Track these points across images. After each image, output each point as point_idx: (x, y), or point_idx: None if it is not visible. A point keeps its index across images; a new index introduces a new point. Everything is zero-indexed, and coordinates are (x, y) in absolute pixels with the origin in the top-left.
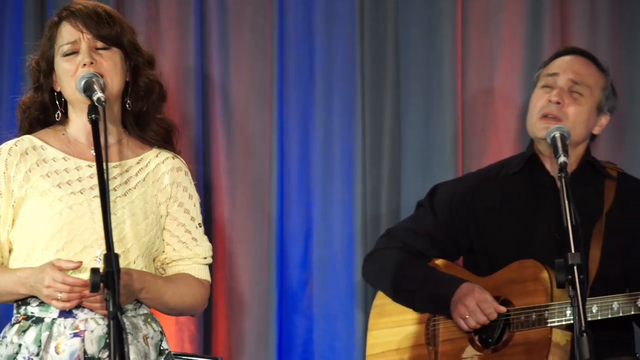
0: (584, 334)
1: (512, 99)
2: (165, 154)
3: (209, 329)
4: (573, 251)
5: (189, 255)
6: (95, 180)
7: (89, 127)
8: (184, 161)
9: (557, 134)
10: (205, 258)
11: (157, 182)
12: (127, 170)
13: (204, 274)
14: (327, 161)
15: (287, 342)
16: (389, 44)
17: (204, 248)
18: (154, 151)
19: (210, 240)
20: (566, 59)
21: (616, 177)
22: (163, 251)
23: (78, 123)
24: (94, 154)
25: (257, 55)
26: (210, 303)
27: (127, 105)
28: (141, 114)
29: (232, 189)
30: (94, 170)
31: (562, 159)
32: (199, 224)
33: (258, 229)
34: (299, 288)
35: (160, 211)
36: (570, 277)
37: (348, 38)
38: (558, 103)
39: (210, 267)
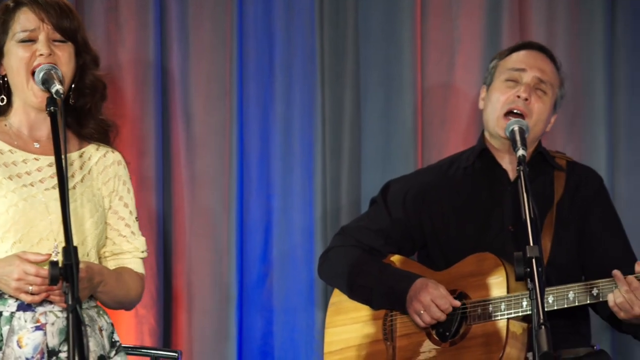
0: (542, 327)
1: (471, 92)
2: (105, 148)
3: (168, 323)
4: (531, 244)
5: (129, 249)
6: (44, 173)
7: (32, 118)
8: (122, 155)
9: (516, 127)
10: (142, 252)
11: (100, 175)
12: (71, 164)
13: (142, 268)
14: (287, 154)
15: (247, 335)
16: (349, 37)
17: (141, 242)
18: (94, 145)
19: (170, 233)
20: (530, 54)
21: (565, 166)
22: (104, 245)
23: (21, 114)
24: (38, 146)
25: (216, 48)
26: (170, 296)
27: (70, 101)
28: (83, 111)
29: (191, 182)
30: (40, 163)
31: (520, 152)
32: (136, 217)
33: (218, 223)
34: (259, 281)
35: (105, 204)
36: (528, 269)
37: (308, 31)
38: (526, 99)
39: (170, 260)
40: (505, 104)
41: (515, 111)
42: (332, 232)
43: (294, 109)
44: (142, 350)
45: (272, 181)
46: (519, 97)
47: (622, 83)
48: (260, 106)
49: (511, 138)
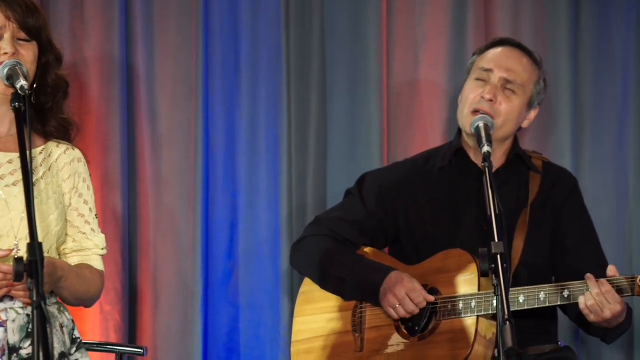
0: (507, 323)
1: (437, 89)
2: (66, 145)
3: (134, 319)
4: (496, 240)
5: (90, 246)
6: (4, 170)
7: None
8: (82, 152)
9: (481, 124)
10: (102, 249)
11: (60, 172)
12: (33, 161)
13: (102, 265)
14: (253, 151)
15: (212, 331)
16: (315, 34)
17: (101, 239)
18: (54, 142)
19: (135, 230)
20: (502, 53)
21: (541, 167)
22: (64, 242)
23: None
24: None
25: (182, 45)
26: (135, 293)
27: (32, 99)
28: (44, 109)
29: (157, 179)
30: (0, 160)
31: (485, 148)
32: (96, 215)
33: (183, 219)
34: (225, 277)
35: (65, 201)
36: (493, 265)
37: (273, 28)
38: (491, 100)
39: (135, 257)
40: (473, 103)
41: (480, 111)
42: (298, 229)
43: (260, 106)
44: (107, 347)
45: (238, 178)
46: (483, 98)
47: (587, 80)
48: (226, 104)
49: (476, 134)
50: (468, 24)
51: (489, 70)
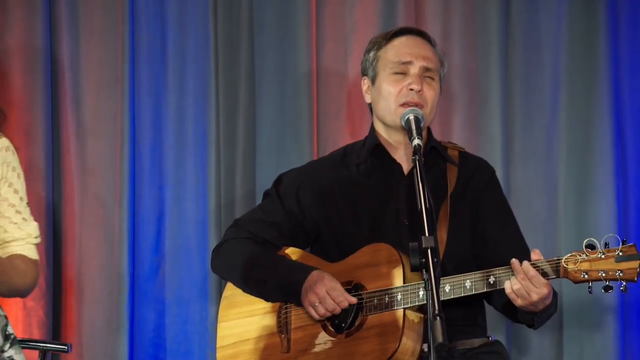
0: (437, 318)
1: None
2: None
3: (58, 315)
4: (427, 234)
5: (22, 235)
6: None
7: None
8: (10, 140)
9: (412, 117)
10: (35, 238)
11: None
12: None
13: (36, 254)
14: (180, 143)
15: (138, 328)
16: (243, 24)
17: (34, 227)
18: None
19: (60, 223)
20: (410, 42)
21: (457, 157)
22: None
23: None
24: None
25: (107, 34)
26: (59, 288)
27: None
28: None
29: (82, 171)
30: None
31: (416, 141)
32: (27, 203)
33: (109, 213)
34: (151, 272)
35: None
36: (424, 260)
37: (201, 17)
38: (420, 91)
39: (60, 250)
40: (400, 97)
41: (410, 103)
42: (226, 223)
43: (188, 97)
44: (31, 344)
45: (165, 171)
46: (412, 89)
47: (517, 73)
48: (153, 94)
49: (407, 127)
50: (398, 16)
51: (407, 63)
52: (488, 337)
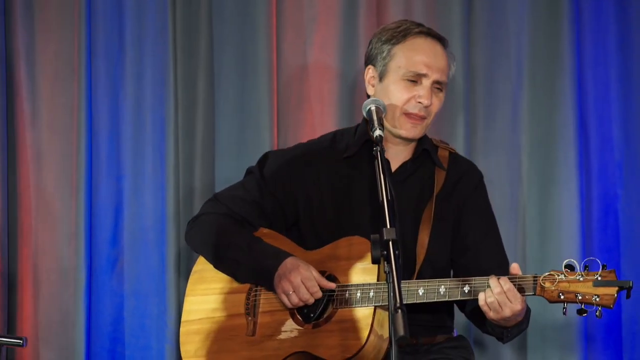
0: (399, 311)
1: (328, 72)
2: None
3: (13, 308)
4: (388, 226)
5: None
6: None
7: None
8: None
9: (373, 107)
10: None
11: None
12: None
13: None
14: (138, 133)
15: (96, 320)
16: (203, 13)
17: None
18: None
19: (15, 215)
20: (429, 50)
21: (448, 157)
22: None
23: None
24: None
25: (63, 24)
26: (15, 281)
27: None
28: None
29: (38, 163)
30: None
31: (377, 132)
32: None
33: (66, 204)
34: (109, 264)
35: None
36: (385, 252)
37: (159, 7)
38: (427, 106)
39: (15, 243)
40: (407, 106)
41: (416, 117)
42: (185, 215)
43: (145, 88)
44: None
45: (123, 162)
46: (420, 102)
47: (480, 64)
48: (110, 85)
49: (368, 117)
50: (359, 5)
51: (422, 75)
52: (451, 332)
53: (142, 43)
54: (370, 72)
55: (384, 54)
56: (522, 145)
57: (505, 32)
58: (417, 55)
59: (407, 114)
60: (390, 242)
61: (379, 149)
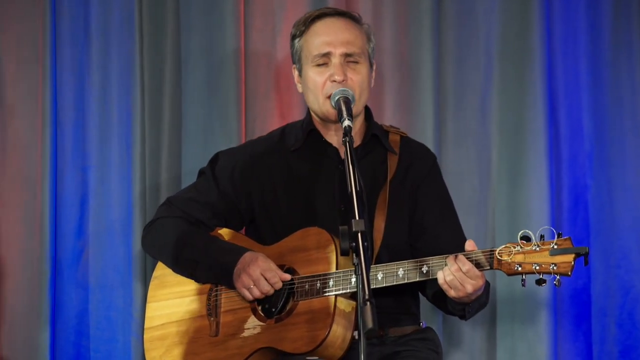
0: (368, 303)
1: None
2: None
3: None
4: (357, 218)
5: None
6: None
7: None
8: None
9: (341, 97)
10: None
11: None
12: None
13: None
14: (104, 123)
15: (61, 314)
16: (169, 0)
17: None
18: None
19: None
20: (328, 28)
21: (399, 142)
22: None
23: None
24: None
25: (28, 10)
26: None
27: None
28: None
29: (2, 152)
30: None
31: (346, 122)
32: None
33: (30, 195)
34: (74, 257)
35: None
36: (354, 244)
37: None
38: (343, 81)
39: None
40: (326, 90)
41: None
42: (151, 206)
43: (112, 76)
44: None
45: (89, 152)
46: (334, 81)
47: (449, 54)
48: (75, 72)
49: (337, 108)
50: None
51: (327, 54)
52: (420, 324)
53: (108, 30)
54: (295, 73)
55: (296, 50)
56: (491, 136)
57: (475, 23)
58: (317, 39)
59: (329, 97)
60: (359, 234)
61: (347, 139)
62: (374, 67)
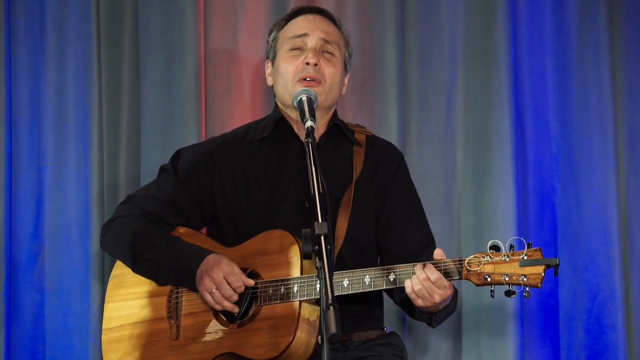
0: (331, 307)
1: (257, 59)
2: None
3: None
4: (320, 220)
5: None
6: None
7: None
8: None
9: (304, 97)
10: None
11: None
12: None
13: None
14: (60, 123)
15: (16, 318)
16: None
17: None
18: None
19: None
20: (309, 18)
21: (365, 141)
22: None
23: None
24: None
25: None
26: None
27: None
28: None
29: None
30: None
31: (309, 123)
32: None
33: None
34: (29, 260)
35: None
36: (317, 247)
37: None
38: (316, 65)
39: None
40: (296, 73)
41: (307, 79)
42: (109, 208)
43: (68, 74)
44: None
45: (44, 153)
46: (307, 63)
47: (413, 53)
48: (31, 71)
49: (299, 108)
50: None
51: (303, 36)
52: (384, 329)
53: (64, 28)
54: (267, 67)
55: (271, 42)
56: (456, 137)
57: (439, 22)
58: (295, 25)
59: (300, 80)
60: (322, 237)
61: (310, 140)
62: (348, 75)
